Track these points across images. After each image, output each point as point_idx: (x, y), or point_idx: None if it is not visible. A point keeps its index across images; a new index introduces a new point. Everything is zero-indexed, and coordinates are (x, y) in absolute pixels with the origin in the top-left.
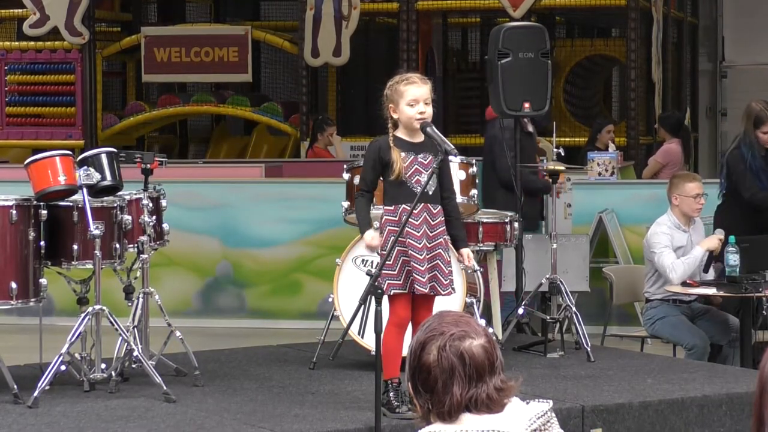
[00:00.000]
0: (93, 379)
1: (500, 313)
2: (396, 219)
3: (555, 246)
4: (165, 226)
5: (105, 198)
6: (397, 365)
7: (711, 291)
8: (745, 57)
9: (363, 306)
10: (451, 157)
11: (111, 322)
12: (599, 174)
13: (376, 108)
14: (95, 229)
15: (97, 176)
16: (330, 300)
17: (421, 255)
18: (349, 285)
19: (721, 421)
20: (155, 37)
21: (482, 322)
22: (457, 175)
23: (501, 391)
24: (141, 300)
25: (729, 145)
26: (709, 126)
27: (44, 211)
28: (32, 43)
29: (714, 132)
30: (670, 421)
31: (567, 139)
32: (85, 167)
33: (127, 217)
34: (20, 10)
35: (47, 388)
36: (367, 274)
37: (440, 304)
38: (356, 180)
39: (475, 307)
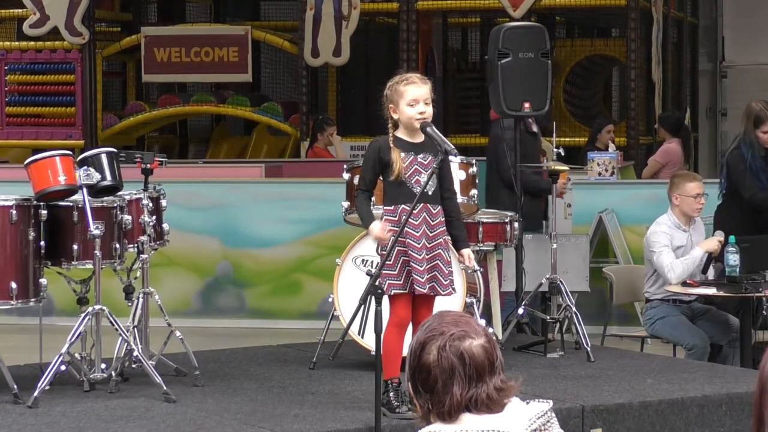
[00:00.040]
0: (93, 379)
1: (500, 313)
2: (396, 219)
3: (555, 246)
4: (165, 226)
5: (105, 198)
6: (397, 365)
7: (711, 291)
8: (745, 57)
9: (363, 306)
10: (451, 157)
11: (111, 322)
12: (599, 174)
13: (376, 108)
14: (95, 229)
15: (97, 176)
16: (330, 300)
17: (420, 255)
18: (349, 285)
19: (721, 421)
20: (155, 37)
21: (482, 322)
22: (457, 175)
23: (501, 391)
24: (141, 300)
25: (729, 145)
26: (709, 126)
27: (44, 211)
28: (32, 43)
29: (714, 132)
30: (670, 421)
31: (567, 139)
32: (85, 167)
33: (127, 217)
34: (20, 10)
35: (47, 388)
36: (367, 274)
37: (440, 304)
38: (356, 180)
39: (475, 307)
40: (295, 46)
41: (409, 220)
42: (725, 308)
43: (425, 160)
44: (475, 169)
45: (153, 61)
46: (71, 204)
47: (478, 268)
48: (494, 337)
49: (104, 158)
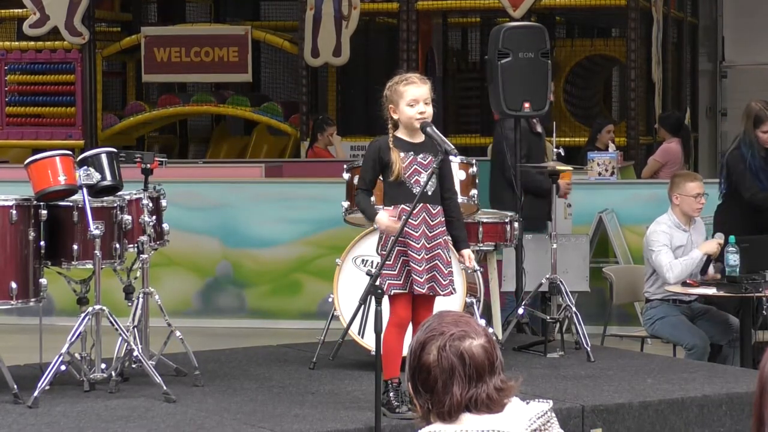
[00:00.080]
0: (93, 379)
1: (500, 313)
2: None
3: (555, 246)
4: (165, 226)
5: (105, 198)
6: (397, 365)
7: (711, 291)
8: (745, 57)
9: (363, 306)
10: (451, 157)
11: (111, 322)
12: (599, 174)
13: (376, 108)
14: (95, 229)
15: (97, 176)
16: (330, 300)
17: (419, 255)
18: (349, 285)
19: (721, 421)
20: (155, 37)
21: (482, 322)
22: (457, 175)
23: (501, 391)
24: (141, 300)
25: (729, 145)
26: (709, 126)
27: (44, 211)
28: (32, 43)
29: (714, 132)
30: (670, 421)
31: (567, 139)
32: (85, 167)
33: (127, 217)
34: (20, 10)
35: (47, 388)
36: (367, 274)
37: (440, 304)
38: (356, 180)
39: (475, 307)
40: (295, 46)
41: (409, 220)
42: (725, 308)
43: (425, 160)
44: (475, 169)
45: (153, 61)
46: (71, 204)
47: (478, 268)
48: (494, 337)
49: (104, 158)
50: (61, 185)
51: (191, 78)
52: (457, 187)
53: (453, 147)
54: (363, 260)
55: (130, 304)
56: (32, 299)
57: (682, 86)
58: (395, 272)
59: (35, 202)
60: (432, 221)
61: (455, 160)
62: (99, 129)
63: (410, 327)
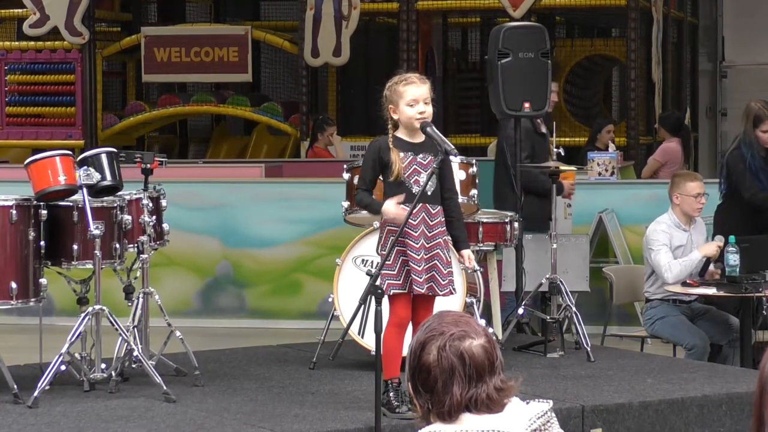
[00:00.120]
0: (93, 379)
1: (501, 313)
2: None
3: (555, 246)
4: (165, 226)
5: (105, 198)
6: (397, 365)
7: (711, 291)
8: (745, 57)
9: (363, 306)
10: (451, 157)
11: (111, 322)
12: (599, 174)
13: (376, 108)
14: (95, 229)
15: (97, 176)
16: (330, 300)
17: (418, 255)
18: (349, 285)
19: (721, 421)
20: (155, 37)
21: (482, 322)
22: (457, 175)
23: (501, 391)
24: (141, 300)
25: (729, 145)
26: (709, 126)
27: (44, 211)
28: (32, 43)
29: (714, 132)
30: (670, 421)
31: (567, 139)
32: (85, 167)
33: (127, 217)
34: (20, 10)
35: (47, 388)
36: (367, 274)
37: (440, 304)
38: (356, 180)
39: (475, 307)
40: (295, 46)
41: (408, 220)
42: (725, 308)
43: (425, 160)
44: (475, 169)
45: (153, 61)
46: (71, 204)
47: (478, 268)
48: (494, 337)
49: (104, 158)
50: (61, 185)
51: (191, 78)
52: (457, 187)
53: (453, 147)
54: (363, 260)
55: (130, 304)
56: (32, 299)
57: (682, 86)
58: (394, 272)
59: (35, 202)
60: (431, 221)
61: (455, 160)
62: (99, 129)
63: (410, 327)
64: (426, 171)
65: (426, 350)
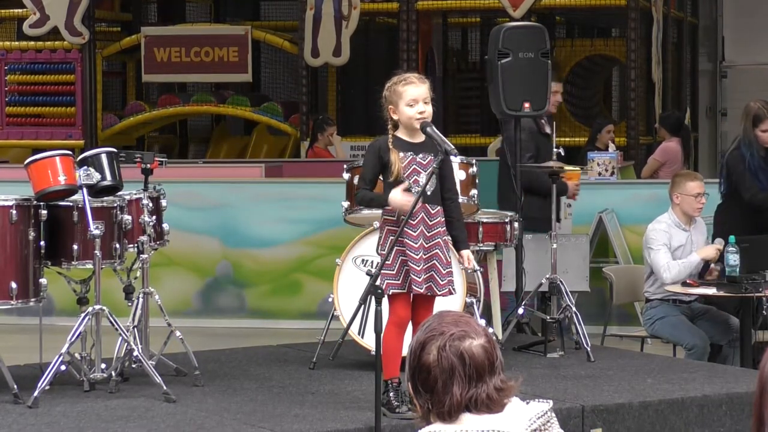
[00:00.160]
0: (93, 379)
1: (502, 313)
2: (394, 219)
3: (555, 246)
4: (165, 226)
5: (105, 198)
6: (397, 365)
7: (711, 291)
8: (745, 57)
9: (363, 306)
10: (451, 157)
11: (111, 322)
12: (599, 174)
13: (376, 108)
14: (95, 229)
15: (97, 176)
16: (330, 300)
17: (417, 255)
18: (349, 285)
19: (721, 421)
20: (155, 37)
21: (482, 322)
22: (457, 175)
23: (501, 391)
24: (141, 300)
25: (729, 145)
26: (709, 126)
27: (44, 211)
28: (32, 43)
29: (714, 132)
30: (670, 421)
31: (567, 139)
32: (85, 167)
33: (127, 217)
34: (20, 10)
35: (47, 388)
36: (367, 274)
37: (440, 304)
38: (356, 180)
39: (475, 307)
40: (295, 46)
41: (408, 220)
42: (725, 308)
43: (424, 160)
44: (475, 169)
45: (153, 61)
46: (71, 204)
47: (478, 268)
48: (494, 337)
49: (104, 158)
50: (61, 185)
51: (191, 78)
52: (457, 187)
53: (453, 147)
54: (363, 260)
55: (130, 304)
56: (32, 299)
57: (682, 86)
58: (394, 272)
59: (35, 202)
60: (430, 221)
61: (455, 160)
62: (99, 129)
63: (410, 327)
64: (426, 171)
65: (426, 350)
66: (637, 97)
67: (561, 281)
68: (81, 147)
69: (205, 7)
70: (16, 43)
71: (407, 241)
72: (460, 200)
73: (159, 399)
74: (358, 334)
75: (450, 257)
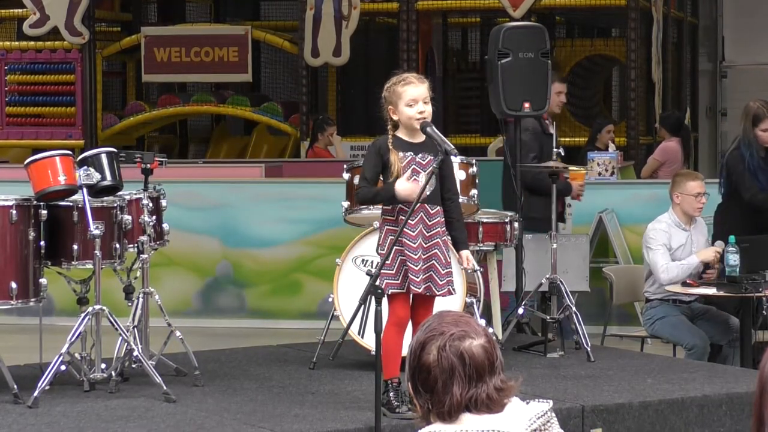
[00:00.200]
0: (93, 379)
1: (502, 313)
2: (393, 219)
3: (555, 246)
4: (165, 226)
5: (105, 198)
6: (397, 365)
7: (711, 291)
8: (745, 57)
9: (363, 306)
10: (451, 157)
11: (111, 322)
12: (599, 174)
13: (376, 108)
14: (95, 229)
15: (97, 176)
16: (330, 300)
17: (416, 255)
18: (349, 285)
19: (721, 421)
20: (155, 37)
21: (482, 322)
22: (457, 175)
23: (501, 391)
24: (141, 300)
25: (729, 145)
26: (709, 126)
27: (44, 211)
28: (32, 43)
29: (714, 132)
30: (670, 421)
31: (567, 139)
32: (85, 167)
33: (127, 217)
34: (20, 10)
35: (47, 388)
36: (367, 274)
37: (440, 304)
38: (356, 180)
39: (475, 307)
40: (295, 46)
41: (408, 220)
42: (725, 308)
43: (424, 160)
44: (475, 169)
45: (153, 61)
46: (71, 204)
47: (478, 268)
48: (494, 337)
49: (104, 158)
50: (61, 185)
51: (191, 78)
52: (458, 187)
53: (453, 147)
54: (363, 260)
55: (130, 304)
56: (32, 299)
57: (682, 86)
58: (393, 272)
59: (35, 202)
60: (430, 221)
61: (455, 160)
62: (99, 129)
63: (410, 327)
64: (425, 171)
65: (426, 350)
66: (637, 97)
67: (561, 281)
68: (81, 147)
69: (205, 7)
70: (16, 43)
71: (406, 240)
72: (460, 200)
73: (159, 399)
74: (358, 334)
75: (450, 257)
